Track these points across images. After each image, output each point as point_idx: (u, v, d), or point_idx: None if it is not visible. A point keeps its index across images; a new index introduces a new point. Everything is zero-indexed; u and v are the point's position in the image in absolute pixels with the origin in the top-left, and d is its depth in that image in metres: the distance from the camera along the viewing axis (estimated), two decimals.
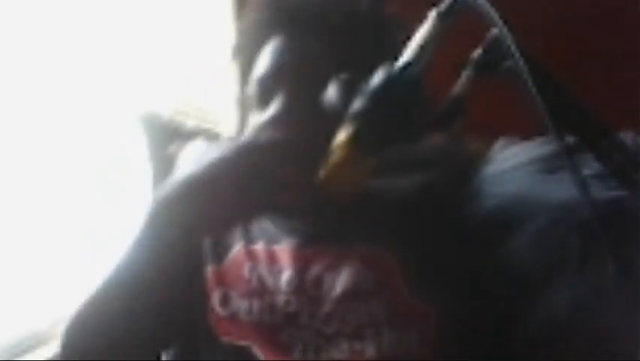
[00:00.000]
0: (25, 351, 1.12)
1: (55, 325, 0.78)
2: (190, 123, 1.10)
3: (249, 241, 0.83)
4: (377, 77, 0.62)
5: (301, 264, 0.80)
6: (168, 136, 1.03)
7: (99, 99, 1.25)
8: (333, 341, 0.76)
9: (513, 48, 0.55)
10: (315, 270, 0.79)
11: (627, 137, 0.68)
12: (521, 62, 0.55)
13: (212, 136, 1.02)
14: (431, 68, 0.63)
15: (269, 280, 0.80)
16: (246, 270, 0.81)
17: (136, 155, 1.14)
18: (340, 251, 0.79)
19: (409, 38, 0.63)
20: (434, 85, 0.64)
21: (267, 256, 0.81)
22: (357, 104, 0.63)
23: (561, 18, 1.38)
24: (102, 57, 1.25)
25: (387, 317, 0.76)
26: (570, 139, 0.59)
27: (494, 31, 0.59)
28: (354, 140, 0.62)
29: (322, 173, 0.64)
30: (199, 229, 0.70)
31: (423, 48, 0.62)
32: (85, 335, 0.73)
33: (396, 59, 0.63)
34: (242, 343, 0.78)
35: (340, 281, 0.78)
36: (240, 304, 0.79)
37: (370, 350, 0.75)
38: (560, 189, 0.70)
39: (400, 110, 0.62)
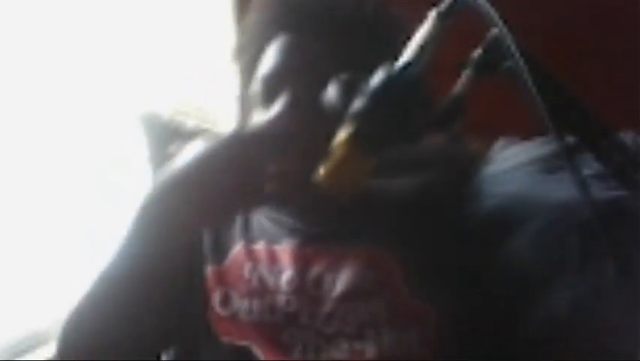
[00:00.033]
0: (25, 351, 1.13)
1: (55, 325, 0.78)
2: (190, 123, 1.10)
3: (250, 240, 0.83)
4: (377, 77, 0.62)
5: (302, 264, 0.80)
6: (168, 136, 1.03)
7: (99, 99, 1.25)
8: (333, 341, 0.76)
9: (513, 48, 0.55)
10: (315, 270, 0.79)
11: (627, 137, 0.68)
12: (521, 62, 0.55)
13: (212, 136, 1.01)
14: (432, 68, 0.63)
15: (269, 280, 0.80)
16: (246, 270, 0.81)
17: (136, 155, 1.14)
18: (340, 251, 0.79)
19: (409, 38, 0.63)
20: (434, 85, 0.64)
21: (267, 256, 0.81)
22: (357, 104, 0.63)
23: (561, 18, 1.38)
24: (102, 57, 1.25)
25: (388, 317, 0.76)
26: (570, 139, 0.59)
27: (494, 31, 0.59)
28: (354, 140, 0.62)
29: (322, 173, 0.64)
30: (188, 224, 0.69)
31: (423, 48, 0.62)
32: (81, 335, 0.73)
33: (396, 58, 0.63)
34: (242, 343, 0.78)
35: (340, 281, 0.78)
36: (241, 304, 0.79)
37: (370, 350, 0.75)
38: (560, 189, 0.71)
39: (400, 110, 0.62)
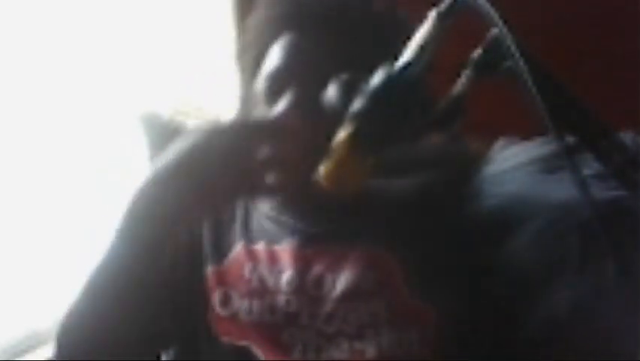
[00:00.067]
0: (25, 351, 1.13)
1: (56, 325, 0.78)
2: (190, 123, 1.10)
3: (250, 241, 0.83)
4: (377, 77, 0.62)
5: (302, 264, 0.80)
6: (168, 136, 1.03)
7: (99, 99, 1.25)
8: (333, 340, 0.76)
9: (513, 48, 0.55)
10: (315, 270, 0.79)
11: (627, 137, 0.68)
12: (521, 62, 0.55)
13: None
14: (432, 68, 0.63)
15: (269, 280, 0.80)
16: (246, 270, 0.81)
17: (136, 155, 1.14)
18: (341, 251, 0.79)
19: (409, 38, 0.63)
20: (434, 85, 0.64)
21: (267, 256, 0.81)
22: (357, 104, 0.62)
23: (561, 18, 1.38)
24: (102, 57, 1.25)
25: (388, 316, 0.76)
26: (570, 139, 0.59)
27: (494, 31, 0.59)
28: (354, 140, 0.62)
29: (322, 172, 0.64)
30: (176, 218, 0.68)
31: (423, 48, 0.62)
32: (76, 335, 0.73)
33: (396, 58, 0.63)
34: (242, 343, 0.78)
35: (341, 281, 0.78)
36: (241, 305, 0.79)
37: (370, 350, 0.75)
38: (560, 189, 0.70)
39: (400, 110, 0.62)
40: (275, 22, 0.81)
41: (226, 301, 0.80)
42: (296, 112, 0.75)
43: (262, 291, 0.80)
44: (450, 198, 0.81)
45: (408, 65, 0.62)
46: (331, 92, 0.69)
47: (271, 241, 0.82)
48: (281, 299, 0.79)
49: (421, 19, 0.63)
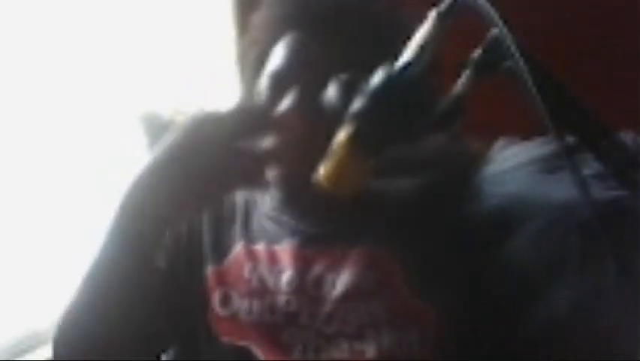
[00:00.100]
0: (25, 351, 1.13)
1: (55, 324, 0.78)
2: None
3: (250, 241, 0.83)
4: (377, 77, 0.62)
5: (302, 264, 0.80)
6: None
7: (99, 99, 1.25)
8: (333, 341, 0.76)
9: (513, 48, 0.55)
10: (315, 270, 0.79)
11: (627, 137, 0.68)
12: (521, 62, 0.55)
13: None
14: (436, 68, 0.63)
15: (269, 281, 0.80)
16: (246, 270, 0.81)
17: (136, 155, 1.14)
18: (341, 251, 0.79)
19: (409, 38, 0.63)
20: (434, 85, 0.64)
21: (267, 256, 0.81)
22: (357, 104, 0.62)
23: (561, 18, 1.38)
24: (102, 57, 1.25)
25: (388, 317, 0.76)
26: (570, 139, 0.59)
27: (494, 31, 0.59)
28: (354, 140, 0.62)
29: (322, 173, 0.64)
30: (169, 212, 0.67)
31: (423, 48, 0.62)
32: (73, 335, 0.73)
33: (396, 58, 0.63)
34: (242, 343, 0.78)
35: (341, 281, 0.78)
36: (241, 305, 0.79)
37: (370, 350, 0.75)
38: (560, 189, 0.70)
39: (400, 110, 0.62)
40: (278, 22, 0.81)
41: (226, 301, 0.80)
42: (297, 111, 0.75)
43: (262, 291, 0.80)
44: (450, 198, 0.81)
45: (408, 65, 0.62)
46: (331, 92, 0.68)
47: (271, 241, 0.82)
48: (281, 299, 0.79)
49: (421, 19, 0.63)
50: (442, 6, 0.61)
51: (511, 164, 0.81)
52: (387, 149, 0.64)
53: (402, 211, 0.81)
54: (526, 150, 0.81)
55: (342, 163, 0.63)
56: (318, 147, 0.64)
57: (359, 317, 0.76)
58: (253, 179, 0.69)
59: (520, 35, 0.56)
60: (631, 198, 0.63)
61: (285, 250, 0.81)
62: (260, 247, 0.82)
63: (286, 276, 0.79)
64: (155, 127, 1.07)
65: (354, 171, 0.64)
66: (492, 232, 0.77)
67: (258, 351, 0.77)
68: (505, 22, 0.56)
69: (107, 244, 0.68)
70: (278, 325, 0.78)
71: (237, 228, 0.84)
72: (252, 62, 0.83)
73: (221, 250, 0.83)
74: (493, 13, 0.56)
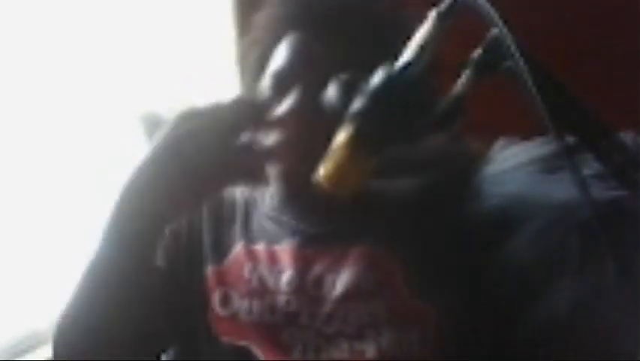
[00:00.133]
0: (25, 351, 1.12)
1: (54, 324, 0.78)
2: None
3: (250, 241, 0.83)
4: (377, 77, 0.62)
5: (302, 264, 0.80)
6: None
7: (99, 99, 1.25)
8: (333, 341, 0.76)
9: (513, 48, 0.55)
10: (315, 270, 0.79)
11: (627, 137, 0.68)
12: (521, 62, 0.55)
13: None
14: (437, 69, 0.63)
15: (269, 281, 0.80)
16: (246, 270, 0.81)
17: (136, 155, 1.14)
18: (341, 251, 0.79)
19: (409, 38, 0.63)
20: (434, 85, 0.64)
21: (267, 256, 0.81)
22: (357, 104, 0.62)
23: (561, 18, 1.38)
24: (102, 57, 1.25)
25: (388, 317, 0.76)
26: (570, 139, 0.59)
27: (494, 31, 0.59)
28: (354, 140, 0.62)
29: (322, 173, 0.64)
30: (165, 211, 0.67)
31: (423, 48, 0.62)
32: (72, 334, 0.73)
33: (396, 58, 0.63)
34: (242, 343, 0.78)
35: (341, 281, 0.78)
36: (240, 305, 0.79)
37: (370, 350, 0.75)
38: (560, 189, 0.70)
39: (400, 111, 0.62)
40: (280, 22, 0.81)
41: (226, 301, 0.80)
42: (298, 111, 0.75)
43: (262, 291, 0.80)
44: (450, 198, 0.81)
45: (408, 65, 0.62)
46: (331, 92, 0.69)
47: (271, 241, 0.82)
48: (281, 299, 0.79)
49: (421, 19, 0.63)
50: (442, 6, 0.61)
51: (511, 164, 0.81)
52: (388, 149, 0.64)
53: (402, 211, 0.81)
54: (526, 150, 0.81)
55: (342, 163, 0.63)
56: (318, 147, 0.64)
57: (359, 317, 0.76)
58: (252, 175, 0.68)
59: (520, 35, 0.56)
60: (631, 198, 0.63)
61: (285, 250, 0.81)
62: (260, 247, 0.82)
63: (286, 276, 0.79)
64: (155, 127, 1.06)
65: (354, 171, 0.64)
66: (492, 232, 0.77)
67: (257, 351, 0.77)
68: (505, 22, 0.56)
69: (104, 242, 0.68)
70: (278, 325, 0.78)
71: (237, 228, 0.84)
72: (254, 62, 0.83)
73: (221, 249, 0.83)
74: (493, 13, 0.56)
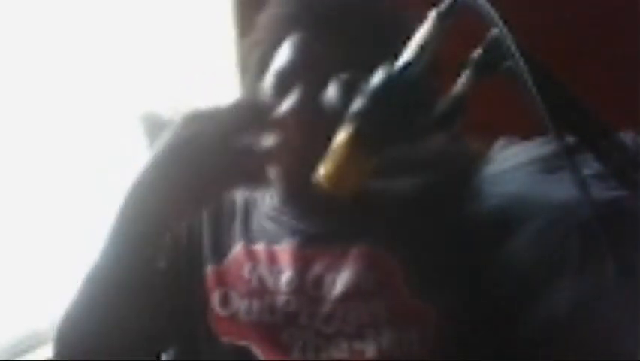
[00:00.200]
0: (25, 351, 1.12)
1: (55, 325, 0.78)
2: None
3: (250, 241, 0.83)
4: (377, 77, 0.62)
5: (301, 264, 0.80)
6: None
7: (99, 99, 1.25)
8: (333, 340, 0.76)
9: (513, 48, 0.55)
10: (315, 270, 0.79)
11: (627, 137, 0.68)
12: (521, 62, 0.55)
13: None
14: (437, 69, 0.63)
15: (269, 281, 0.80)
16: (246, 270, 0.81)
17: (136, 155, 1.14)
18: (340, 251, 0.79)
19: (409, 38, 0.63)
20: (434, 85, 0.64)
21: (267, 256, 0.81)
22: (357, 104, 0.62)
23: (561, 18, 1.38)
24: (102, 57, 1.25)
25: (388, 317, 0.76)
26: (570, 139, 0.59)
27: (494, 31, 0.59)
28: (354, 140, 0.62)
29: (322, 173, 0.64)
30: (171, 213, 0.67)
31: (423, 48, 0.62)
32: (74, 335, 0.73)
33: (396, 58, 0.63)
34: (241, 343, 0.78)
35: (340, 281, 0.78)
36: (240, 304, 0.79)
37: (370, 350, 0.75)
38: (560, 189, 0.70)
39: (400, 110, 0.62)
40: (282, 22, 0.81)
41: (226, 301, 0.80)
42: (299, 110, 0.75)
43: (262, 291, 0.80)
44: (450, 198, 0.81)
45: (408, 65, 0.62)
46: (331, 92, 0.69)
47: (271, 241, 0.82)
48: (280, 299, 0.79)
49: (421, 19, 0.63)
50: (442, 6, 0.61)
51: (511, 164, 0.81)
52: (387, 149, 0.64)
53: (402, 211, 0.81)
54: (526, 150, 0.81)
55: (342, 163, 0.63)
56: (318, 147, 0.64)
57: (359, 317, 0.76)
58: (254, 178, 0.68)
59: (520, 35, 0.56)
60: (631, 198, 0.63)
61: (284, 250, 0.81)
62: (260, 247, 0.82)
63: (286, 276, 0.79)
64: (155, 127, 1.06)
65: (354, 171, 0.64)
66: (492, 232, 0.77)
67: (257, 351, 0.77)
68: (505, 22, 0.56)
69: (108, 245, 0.68)
70: (277, 325, 0.78)
71: (237, 228, 0.84)
72: (256, 62, 0.84)
73: (220, 250, 0.83)
74: (493, 13, 0.56)
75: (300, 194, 0.78)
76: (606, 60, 1.40)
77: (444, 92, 0.63)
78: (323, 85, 0.70)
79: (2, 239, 1.10)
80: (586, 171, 0.58)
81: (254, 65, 0.84)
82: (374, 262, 0.78)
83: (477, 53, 0.62)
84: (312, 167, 0.64)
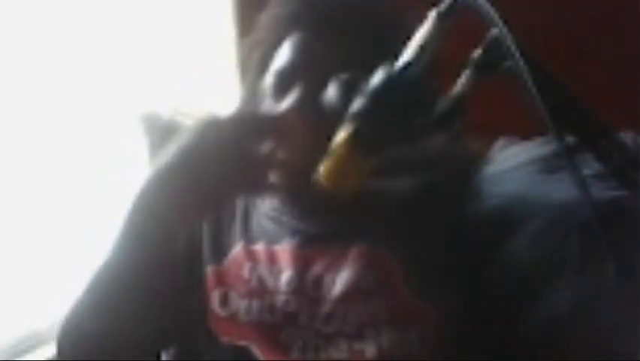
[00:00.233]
0: (25, 351, 1.12)
1: (55, 325, 0.78)
2: (190, 123, 1.10)
3: (249, 241, 0.83)
4: (377, 77, 0.62)
5: (301, 264, 0.80)
6: (168, 136, 1.03)
7: (99, 99, 1.25)
8: (332, 340, 0.76)
9: (513, 48, 0.55)
10: (315, 270, 0.79)
11: (627, 137, 0.68)
12: (521, 62, 0.55)
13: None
14: (436, 68, 0.63)
15: (269, 281, 0.80)
16: (245, 270, 0.81)
17: (136, 155, 1.14)
18: (340, 251, 0.79)
19: (409, 38, 0.63)
20: (434, 85, 0.64)
21: (267, 256, 0.81)
22: (357, 104, 0.63)
23: (561, 18, 1.38)
24: (102, 57, 1.25)
25: (387, 316, 0.76)
26: (570, 139, 0.59)
27: (494, 31, 0.59)
28: (354, 140, 0.62)
29: (322, 173, 0.64)
30: (178, 218, 0.68)
31: (423, 48, 0.62)
32: (79, 335, 0.74)
33: (396, 58, 0.63)
34: (241, 343, 0.78)
35: (340, 281, 0.78)
36: (240, 305, 0.79)
37: (370, 350, 0.75)
38: (560, 189, 0.70)
39: (400, 110, 0.62)
40: (283, 22, 0.82)
41: (225, 301, 0.80)
42: (299, 110, 0.75)
43: (261, 291, 0.80)
44: (450, 198, 0.81)
45: (408, 65, 0.62)
46: (331, 92, 0.69)
47: (271, 241, 0.82)
48: (280, 299, 0.79)
49: (421, 19, 0.63)
50: (442, 6, 0.61)
51: (511, 164, 0.81)
52: (387, 149, 0.64)
53: (402, 211, 0.81)
54: (526, 150, 0.81)
55: (342, 163, 0.63)
56: (319, 147, 0.64)
57: (358, 317, 0.76)
58: (262, 185, 0.70)
59: (520, 35, 0.56)
60: (631, 198, 0.63)
61: (284, 250, 0.81)
62: (259, 247, 0.82)
63: (285, 276, 0.79)
64: (155, 127, 1.06)
65: (354, 170, 0.64)
66: (492, 232, 0.77)
67: (257, 351, 0.77)
68: (505, 22, 0.56)
69: (117, 247, 0.69)
70: (277, 325, 0.78)
71: (237, 228, 0.84)
72: (256, 62, 0.84)
73: (220, 250, 0.83)
74: (493, 13, 0.56)
75: (300, 194, 0.78)
76: (606, 60, 1.41)
77: (444, 92, 0.63)
78: (323, 85, 0.70)
79: (2, 239, 1.10)
80: (586, 171, 0.58)
81: (254, 64, 0.85)
82: (374, 262, 0.78)
83: (477, 53, 0.62)
84: (312, 167, 0.64)
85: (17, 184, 1.13)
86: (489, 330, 0.75)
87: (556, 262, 0.72)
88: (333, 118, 0.65)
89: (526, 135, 0.80)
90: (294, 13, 0.81)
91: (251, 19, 0.87)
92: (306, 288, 0.78)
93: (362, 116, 0.62)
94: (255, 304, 0.79)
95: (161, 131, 1.06)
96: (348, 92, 0.65)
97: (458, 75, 0.63)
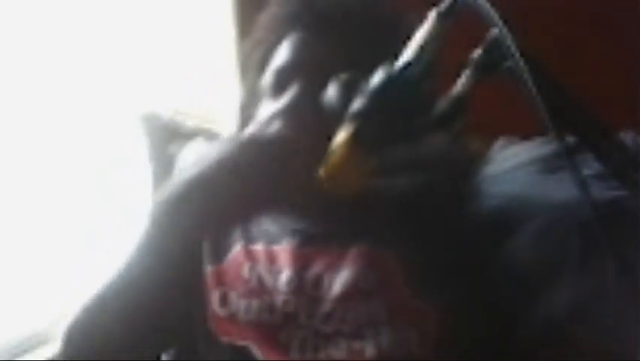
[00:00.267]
0: (25, 351, 1.12)
1: (55, 325, 0.78)
2: (190, 123, 1.10)
3: (249, 241, 0.83)
4: (377, 77, 0.62)
5: (301, 264, 0.80)
6: (168, 136, 1.03)
7: (99, 99, 1.25)
8: (332, 340, 0.76)
9: (513, 48, 0.55)
10: (314, 270, 0.79)
11: (627, 137, 0.68)
12: (521, 62, 0.55)
13: (212, 136, 1.02)
14: (436, 69, 0.63)
15: (268, 280, 0.80)
16: (245, 270, 0.81)
17: (136, 155, 1.14)
18: (340, 251, 0.79)
19: (409, 38, 0.63)
20: (435, 85, 0.64)
21: (266, 256, 0.81)
22: (357, 104, 0.63)
23: (561, 18, 1.38)
24: (102, 57, 1.25)
25: (387, 316, 0.76)
26: (570, 139, 0.59)
27: (494, 31, 0.59)
28: (354, 140, 0.63)
29: (322, 172, 0.64)
30: (201, 229, 0.70)
31: (423, 48, 0.62)
32: (86, 337, 0.74)
33: (396, 58, 0.63)
34: (241, 343, 0.78)
35: (340, 281, 0.78)
36: (239, 304, 0.79)
37: (370, 350, 0.75)
38: (560, 189, 0.70)
39: (400, 110, 0.62)
40: (283, 22, 0.82)
41: (225, 301, 0.80)
42: (296, 109, 0.75)
43: (261, 291, 0.80)
44: (450, 198, 0.81)
45: (408, 65, 0.62)
46: (331, 92, 0.69)
47: (270, 241, 0.82)
48: (279, 299, 0.79)
49: (421, 19, 0.63)
50: (442, 6, 0.61)
51: (511, 164, 0.81)
52: (388, 149, 0.64)
53: (402, 211, 0.80)
54: (526, 150, 0.81)
55: (342, 162, 0.63)
56: (318, 147, 0.64)
57: (358, 317, 0.76)
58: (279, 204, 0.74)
59: (520, 35, 0.56)
60: (631, 198, 0.63)
61: (284, 250, 0.81)
62: (259, 247, 0.82)
63: (285, 276, 0.79)
64: (155, 127, 1.07)
65: (353, 170, 0.64)
66: (492, 232, 0.77)
67: (256, 351, 0.77)
68: (505, 22, 0.57)
69: (136, 255, 0.71)
70: (276, 325, 0.78)
71: (236, 228, 0.84)
72: (256, 62, 0.84)
73: (220, 250, 0.83)
74: (493, 13, 0.56)
75: (300, 193, 0.78)
76: (606, 60, 1.40)
77: (444, 92, 0.63)
78: (322, 84, 0.70)
79: (2, 239, 1.10)
80: (586, 171, 0.58)
81: (254, 64, 0.85)
82: (374, 262, 0.78)
83: (477, 53, 0.62)
84: (312, 167, 0.64)
85: (17, 184, 1.13)
86: (489, 330, 0.75)
87: (556, 262, 0.72)
88: (333, 118, 0.65)
89: (526, 135, 0.80)
90: (293, 13, 0.82)
91: (251, 19, 0.87)
92: (306, 288, 0.78)
93: (362, 116, 0.62)
94: (255, 304, 0.79)
95: (161, 131, 1.06)
96: (348, 92, 0.65)
97: (458, 75, 0.63)
